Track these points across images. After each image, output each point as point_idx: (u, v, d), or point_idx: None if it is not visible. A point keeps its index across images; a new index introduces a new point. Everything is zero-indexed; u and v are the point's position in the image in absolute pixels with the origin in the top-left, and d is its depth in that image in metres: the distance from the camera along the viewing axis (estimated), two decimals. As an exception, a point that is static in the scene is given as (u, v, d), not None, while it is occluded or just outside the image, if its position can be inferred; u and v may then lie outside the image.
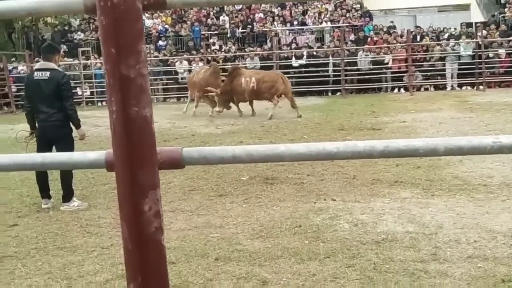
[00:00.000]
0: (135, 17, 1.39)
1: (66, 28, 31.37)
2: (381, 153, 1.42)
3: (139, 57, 1.40)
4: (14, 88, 23.12)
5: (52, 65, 7.15)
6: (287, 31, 29.26)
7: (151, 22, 30.06)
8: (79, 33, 30.71)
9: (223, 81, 17.12)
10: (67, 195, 7.17)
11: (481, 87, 21.40)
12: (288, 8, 30.31)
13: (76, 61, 24.49)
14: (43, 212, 6.99)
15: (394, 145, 1.42)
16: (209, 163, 1.53)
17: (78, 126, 7.28)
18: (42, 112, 7.07)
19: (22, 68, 24.78)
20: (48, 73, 7.02)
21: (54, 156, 1.61)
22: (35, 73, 7.16)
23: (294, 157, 1.45)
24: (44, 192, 7.24)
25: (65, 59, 26.10)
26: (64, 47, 28.63)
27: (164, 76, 24.61)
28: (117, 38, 1.38)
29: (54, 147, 7.12)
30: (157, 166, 1.47)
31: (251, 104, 16.99)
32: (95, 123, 16.10)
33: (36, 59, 21.80)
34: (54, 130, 7.04)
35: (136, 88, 1.41)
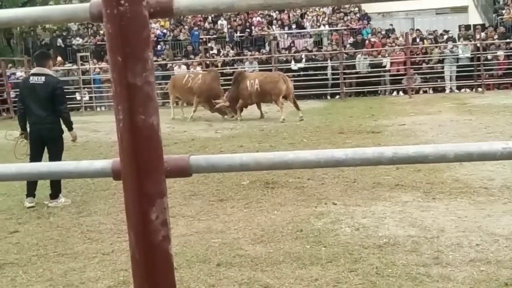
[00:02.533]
0: (142, 25, 1.38)
1: (65, 33, 31.39)
2: (390, 160, 1.41)
3: (145, 64, 1.39)
4: (12, 94, 22.98)
5: (47, 70, 7.57)
6: (285, 35, 29.28)
7: (149, 26, 29.98)
8: (77, 38, 30.71)
9: (222, 85, 17.33)
10: (56, 193, 7.54)
11: (479, 89, 21.44)
12: (286, 12, 30.31)
13: (75, 67, 24.45)
14: (43, 218, 6.97)
15: (403, 151, 1.41)
16: (217, 171, 1.52)
17: (71, 128, 7.75)
18: (35, 115, 7.41)
19: (20, 74, 24.67)
20: (43, 78, 7.41)
21: (60, 165, 1.59)
22: (31, 77, 7.55)
23: (303, 165, 1.44)
24: (31, 190, 7.48)
25: (64, 64, 26.08)
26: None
27: (162, 81, 24.61)
28: (124, 46, 1.37)
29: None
30: (164, 174, 1.46)
31: (258, 107, 17.12)
32: (94, 128, 16.07)
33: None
34: (47, 131, 7.42)
35: (143, 96, 1.39)
